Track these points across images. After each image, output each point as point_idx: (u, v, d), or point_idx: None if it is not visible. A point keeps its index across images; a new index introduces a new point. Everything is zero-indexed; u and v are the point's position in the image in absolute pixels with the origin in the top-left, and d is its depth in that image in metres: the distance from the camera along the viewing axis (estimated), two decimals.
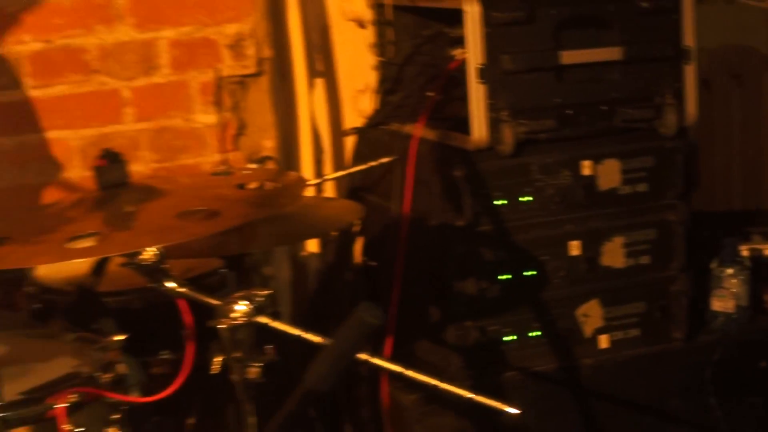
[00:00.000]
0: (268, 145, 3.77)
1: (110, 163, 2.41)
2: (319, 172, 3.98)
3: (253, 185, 2.54)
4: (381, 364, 2.24)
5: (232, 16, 3.68)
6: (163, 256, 2.21)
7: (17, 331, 2.58)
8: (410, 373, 2.15)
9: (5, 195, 3.54)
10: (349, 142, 3.85)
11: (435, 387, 2.16)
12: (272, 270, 3.80)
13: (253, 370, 2.16)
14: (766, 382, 3.44)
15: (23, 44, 3.49)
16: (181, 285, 2.24)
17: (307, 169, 3.96)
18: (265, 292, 2.18)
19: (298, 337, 2.18)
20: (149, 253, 2.20)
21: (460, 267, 3.26)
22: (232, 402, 2.62)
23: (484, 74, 3.14)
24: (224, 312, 2.14)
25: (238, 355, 2.16)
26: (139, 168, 3.58)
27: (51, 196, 3.55)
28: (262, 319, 2.14)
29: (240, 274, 3.01)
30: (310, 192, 3.62)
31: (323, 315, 3.77)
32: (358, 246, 3.72)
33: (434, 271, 3.33)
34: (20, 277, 3.01)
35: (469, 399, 2.15)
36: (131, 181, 2.45)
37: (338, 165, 4.00)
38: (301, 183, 2.59)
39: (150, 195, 2.42)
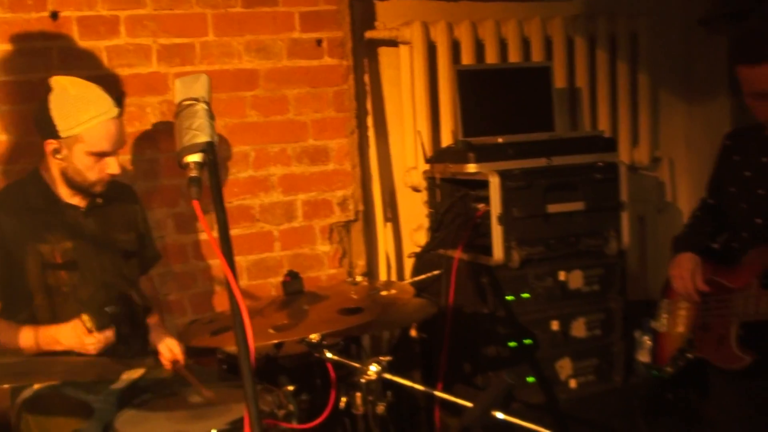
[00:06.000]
0: (361, 263, 3.76)
1: (292, 279, 2.50)
2: (390, 280, 3.90)
3: (383, 292, 2.53)
4: (444, 397, 2.16)
5: (341, 185, 3.69)
6: (323, 336, 2.25)
7: (218, 383, 2.55)
8: (460, 401, 2.07)
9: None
10: (410, 261, 3.84)
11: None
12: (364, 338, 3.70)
13: (380, 408, 2.18)
14: (672, 407, 3.39)
15: None
16: (334, 354, 2.26)
17: (383, 278, 3.91)
18: (387, 358, 2.18)
19: (410, 387, 2.16)
20: (316, 336, 2.25)
21: (484, 338, 3.29)
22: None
23: (501, 219, 3.19)
24: (363, 371, 2.17)
25: (371, 398, 2.17)
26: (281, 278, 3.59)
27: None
28: (387, 375, 2.16)
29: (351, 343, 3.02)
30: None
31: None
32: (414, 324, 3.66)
33: (468, 341, 3.34)
34: (214, 350, 2.98)
35: (511, 422, 2.01)
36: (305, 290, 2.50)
37: (400, 276, 3.96)
38: (410, 291, 2.55)
39: (317, 299, 2.46)
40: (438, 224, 3.60)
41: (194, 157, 1.65)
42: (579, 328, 3.40)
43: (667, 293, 2.82)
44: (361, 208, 3.77)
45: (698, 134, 4.45)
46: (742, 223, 2.54)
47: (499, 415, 2.03)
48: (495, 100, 3.61)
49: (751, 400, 2.54)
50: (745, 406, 2.56)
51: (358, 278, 3.07)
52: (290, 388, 2.34)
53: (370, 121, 3.86)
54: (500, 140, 3.31)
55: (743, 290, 2.45)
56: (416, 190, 3.91)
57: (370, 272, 3.85)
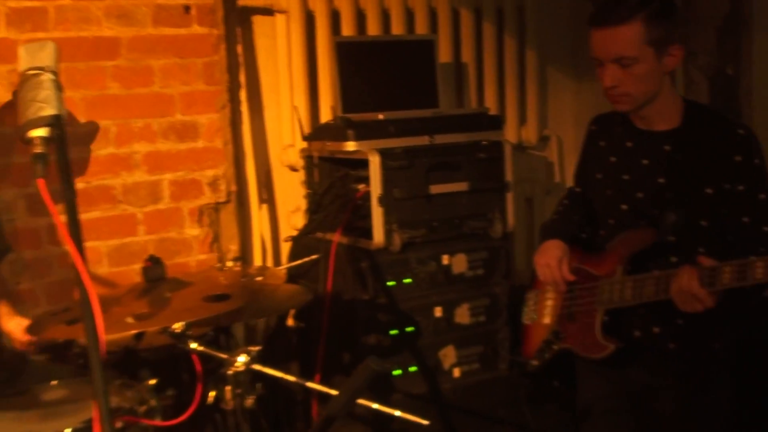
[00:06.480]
0: (233, 248, 3.70)
1: (154, 265, 2.42)
2: (264, 266, 3.85)
3: (257, 278, 2.49)
4: (318, 388, 2.12)
5: (211, 164, 3.63)
6: (188, 326, 2.17)
7: (74, 379, 2.46)
8: (331, 392, 2.03)
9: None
10: (286, 245, 3.80)
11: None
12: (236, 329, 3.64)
13: (249, 401, 2.12)
14: (557, 395, 3.38)
15: None
16: (200, 345, 2.17)
17: (258, 263, 3.85)
18: (257, 348, 2.12)
19: (280, 378, 2.11)
20: (179, 325, 2.17)
21: (364, 326, 3.30)
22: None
23: (381, 200, 3.21)
24: (231, 362, 2.10)
25: (239, 391, 2.11)
26: None
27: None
28: (256, 366, 2.09)
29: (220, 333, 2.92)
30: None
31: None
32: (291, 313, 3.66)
33: (347, 329, 3.33)
34: (70, 342, 2.77)
35: (386, 412, 2.00)
36: (168, 276, 2.43)
37: (276, 261, 3.93)
38: (280, 276, 2.52)
39: (181, 285, 2.40)
40: (316, 206, 3.59)
41: (39, 132, 1.62)
42: (463, 315, 3.45)
43: (534, 284, 2.84)
44: (233, 188, 3.71)
45: (586, 113, 4.46)
46: (609, 209, 2.56)
47: (374, 405, 2.01)
48: (376, 75, 3.61)
49: (617, 391, 2.58)
50: (612, 397, 2.60)
51: (228, 263, 3.03)
52: (152, 382, 2.26)
53: (243, 94, 3.80)
54: (381, 117, 3.32)
55: (608, 277, 2.49)
56: (293, 169, 3.88)
57: (244, 257, 3.79)
